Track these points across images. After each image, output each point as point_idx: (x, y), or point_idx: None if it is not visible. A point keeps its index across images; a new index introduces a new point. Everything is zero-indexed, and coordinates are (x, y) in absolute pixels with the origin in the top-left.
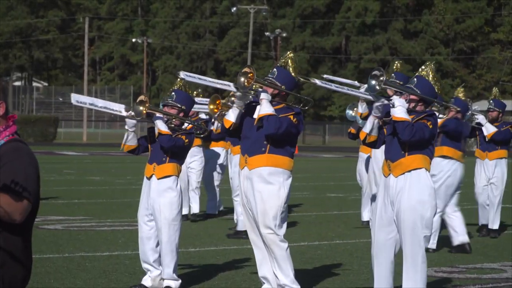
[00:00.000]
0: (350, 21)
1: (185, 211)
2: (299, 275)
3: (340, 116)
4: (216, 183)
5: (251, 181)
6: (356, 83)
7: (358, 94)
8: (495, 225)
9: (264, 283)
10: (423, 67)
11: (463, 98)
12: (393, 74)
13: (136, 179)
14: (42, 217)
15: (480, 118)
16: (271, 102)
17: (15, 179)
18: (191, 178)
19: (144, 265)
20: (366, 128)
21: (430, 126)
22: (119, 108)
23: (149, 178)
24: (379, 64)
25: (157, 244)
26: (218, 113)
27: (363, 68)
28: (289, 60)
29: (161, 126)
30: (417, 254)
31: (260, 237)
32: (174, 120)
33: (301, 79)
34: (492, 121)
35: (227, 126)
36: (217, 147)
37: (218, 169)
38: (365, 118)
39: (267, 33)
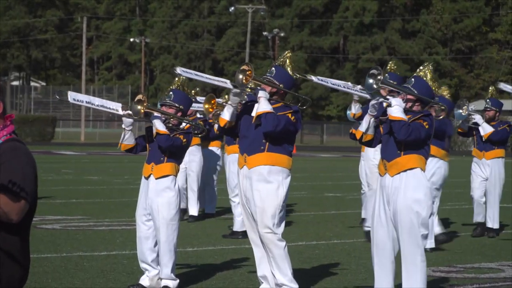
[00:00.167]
0: (348, 20)
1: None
2: (297, 274)
3: (338, 115)
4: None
5: (251, 180)
6: (349, 84)
7: (355, 92)
8: (495, 224)
9: (262, 282)
10: (421, 67)
11: (447, 97)
12: (386, 75)
13: (134, 178)
14: (40, 216)
15: (477, 118)
16: (269, 100)
17: (12, 179)
18: (189, 179)
19: (142, 265)
20: (362, 127)
21: (426, 126)
22: (115, 107)
23: (147, 178)
24: (377, 64)
25: (155, 244)
26: (213, 112)
27: (361, 68)
28: (287, 60)
29: (159, 126)
30: (415, 253)
31: (259, 235)
32: (172, 119)
33: (298, 75)
34: (489, 121)
35: (221, 124)
36: (212, 147)
37: (216, 169)
38: (358, 118)
39: (265, 33)
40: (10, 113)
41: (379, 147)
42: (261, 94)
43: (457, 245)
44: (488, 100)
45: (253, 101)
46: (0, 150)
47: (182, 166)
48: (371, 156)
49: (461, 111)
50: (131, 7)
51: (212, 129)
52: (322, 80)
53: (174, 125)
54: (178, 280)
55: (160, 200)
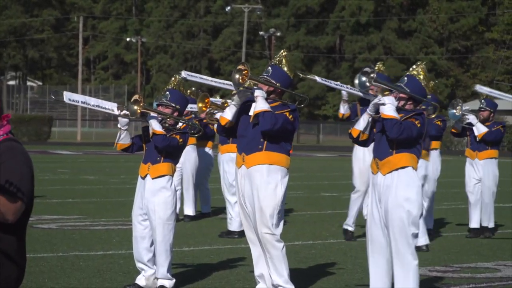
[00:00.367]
0: (345, 20)
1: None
2: (293, 274)
3: (334, 115)
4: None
5: (249, 179)
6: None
7: (357, 92)
8: (490, 223)
9: (259, 282)
10: (414, 66)
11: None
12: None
13: (130, 178)
14: (36, 216)
15: (471, 118)
16: (266, 99)
17: (9, 179)
18: (184, 178)
19: (138, 265)
20: (360, 126)
21: (418, 125)
22: (111, 107)
23: (143, 178)
24: (373, 63)
25: (151, 244)
26: (206, 111)
27: (357, 68)
28: (283, 59)
29: (155, 126)
30: (406, 252)
31: (257, 235)
32: (168, 119)
33: (301, 75)
34: (483, 121)
35: (223, 123)
36: (205, 147)
37: (207, 169)
38: (347, 118)
39: (261, 32)
40: (6, 113)
41: (370, 147)
42: (258, 93)
43: (453, 245)
44: (482, 101)
45: (251, 100)
46: None
47: (177, 166)
48: (361, 156)
49: (455, 111)
50: (128, 6)
51: (207, 128)
52: (325, 80)
53: (170, 125)
54: (174, 280)
55: (157, 200)
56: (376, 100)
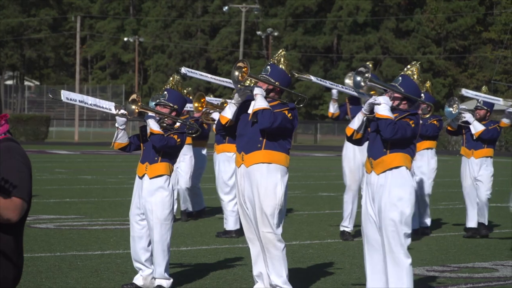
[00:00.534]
0: (342, 20)
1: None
2: (290, 274)
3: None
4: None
5: (249, 178)
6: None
7: (352, 92)
8: (485, 221)
9: (257, 281)
10: (408, 66)
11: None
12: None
13: (127, 178)
14: (33, 216)
15: (468, 116)
16: (265, 98)
17: (9, 179)
18: (180, 178)
19: (136, 264)
20: (354, 125)
21: (413, 125)
22: (109, 106)
23: (141, 177)
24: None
25: (149, 243)
26: (202, 110)
27: (354, 67)
28: (282, 58)
29: (153, 126)
30: (399, 252)
31: (256, 235)
32: (166, 119)
33: (296, 74)
34: (480, 120)
35: (223, 122)
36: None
37: (201, 168)
38: (336, 117)
39: (258, 32)
40: (4, 113)
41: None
42: (257, 91)
43: (451, 245)
44: (480, 99)
45: (250, 99)
46: None
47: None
48: (351, 155)
49: (451, 109)
50: (125, 6)
51: (204, 128)
52: (320, 80)
53: (168, 125)
54: (171, 280)
55: (154, 200)
56: (371, 100)
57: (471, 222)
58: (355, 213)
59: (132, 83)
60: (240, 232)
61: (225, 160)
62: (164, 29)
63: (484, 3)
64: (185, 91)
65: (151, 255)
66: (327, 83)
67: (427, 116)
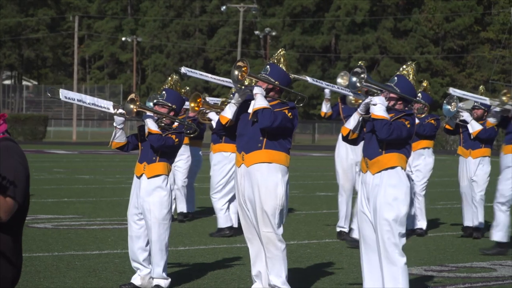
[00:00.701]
0: (340, 19)
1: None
2: (288, 274)
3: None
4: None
5: (249, 178)
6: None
7: (348, 93)
8: (480, 224)
9: (255, 281)
10: (404, 66)
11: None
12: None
13: (125, 177)
14: (31, 215)
15: (465, 115)
16: (265, 97)
17: (4, 178)
18: (177, 177)
19: (134, 264)
20: (350, 125)
21: (408, 125)
22: (107, 105)
23: (139, 177)
24: (368, 63)
25: (147, 243)
26: (198, 110)
27: (352, 67)
28: (282, 57)
29: (151, 125)
30: (393, 251)
31: (256, 235)
32: (164, 119)
33: (292, 75)
34: (477, 119)
35: (223, 122)
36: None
37: (196, 168)
38: (329, 117)
39: (256, 32)
40: (2, 112)
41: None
42: (257, 90)
43: (449, 245)
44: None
45: (250, 98)
46: None
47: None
48: (344, 155)
49: (449, 107)
50: (123, 6)
51: (201, 128)
52: (316, 81)
53: (166, 125)
54: (169, 279)
55: (152, 200)
56: (367, 100)
57: (468, 222)
58: (350, 212)
59: (130, 83)
60: (232, 228)
61: (221, 159)
62: (162, 28)
63: (482, 2)
64: (183, 90)
65: (149, 254)
66: (323, 84)
67: (423, 115)
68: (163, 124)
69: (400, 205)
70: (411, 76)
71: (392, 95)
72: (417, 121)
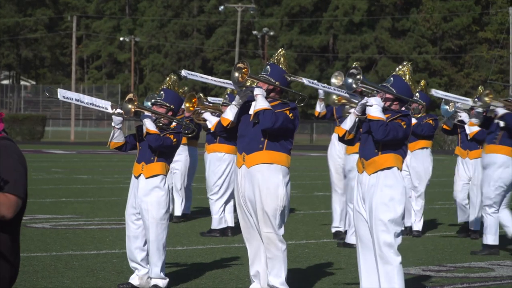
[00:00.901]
0: (338, 19)
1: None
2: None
3: None
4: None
5: (250, 179)
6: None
7: (344, 94)
8: (477, 226)
9: (253, 281)
10: (400, 66)
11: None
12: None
13: (123, 177)
14: (29, 215)
15: (463, 116)
16: (266, 98)
17: (5, 177)
18: (174, 178)
19: (132, 264)
20: (346, 125)
21: (404, 126)
22: (105, 105)
23: (137, 177)
24: (366, 62)
25: (145, 243)
26: (193, 111)
27: (350, 67)
28: (282, 58)
29: (149, 125)
30: (388, 251)
31: (254, 235)
32: (162, 119)
33: (289, 77)
34: None
35: (225, 124)
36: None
37: (193, 168)
38: (323, 117)
39: (254, 32)
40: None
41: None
42: (258, 91)
43: (447, 245)
44: (475, 99)
45: (251, 99)
46: None
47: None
48: (336, 155)
49: (447, 107)
50: (121, 6)
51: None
52: (312, 83)
53: (164, 125)
54: (167, 279)
55: (150, 200)
56: (363, 101)
57: (462, 219)
58: (345, 212)
59: (128, 83)
60: (223, 231)
61: (215, 160)
62: (160, 28)
63: (480, 2)
64: (181, 90)
65: (147, 254)
66: (319, 85)
67: (419, 115)
68: (161, 124)
69: (396, 205)
70: (407, 77)
71: (388, 95)
72: (414, 121)
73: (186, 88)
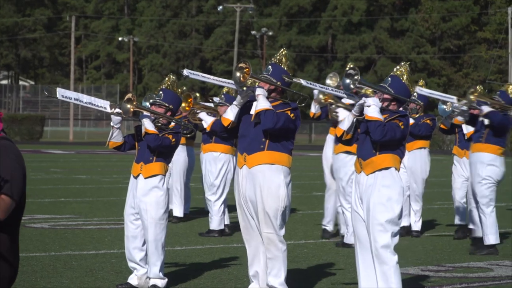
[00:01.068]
0: (337, 19)
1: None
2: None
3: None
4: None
5: (251, 180)
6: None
7: (342, 94)
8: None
9: (252, 281)
10: (397, 66)
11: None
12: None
13: (122, 177)
14: (28, 215)
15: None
16: (267, 98)
17: (1, 177)
18: (173, 178)
19: (130, 264)
20: (344, 126)
21: (402, 127)
22: (104, 105)
23: (136, 177)
24: (365, 62)
25: (143, 243)
26: (189, 111)
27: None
28: (283, 58)
29: (148, 125)
30: (385, 251)
31: (253, 235)
32: (161, 119)
33: (286, 78)
34: None
35: (225, 124)
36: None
37: (191, 168)
38: (318, 118)
39: (253, 32)
40: None
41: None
42: (259, 91)
43: (446, 244)
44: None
45: (252, 100)
46: None
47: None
48: (330, 156)
49: (445, 106)
50: (120, 6)
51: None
52: (310, 84)
53: (163, 125)
54: (166, 279)
55: (148, 200)
56: (361, 101)
57: (460, 219)
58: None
59: (127, 83)
60: (222, 232)
61: (211, 160)
62: (159, 28)
63: (478, 2)
64: (179, 90)
65: (146, 254)
66: (317, 86)
67: (417, 115)
68: (160, 124)
69: (394, 205)
70: (405, 77)
71: (386, 96)
72: (412, 121)
73: (184, 88)
